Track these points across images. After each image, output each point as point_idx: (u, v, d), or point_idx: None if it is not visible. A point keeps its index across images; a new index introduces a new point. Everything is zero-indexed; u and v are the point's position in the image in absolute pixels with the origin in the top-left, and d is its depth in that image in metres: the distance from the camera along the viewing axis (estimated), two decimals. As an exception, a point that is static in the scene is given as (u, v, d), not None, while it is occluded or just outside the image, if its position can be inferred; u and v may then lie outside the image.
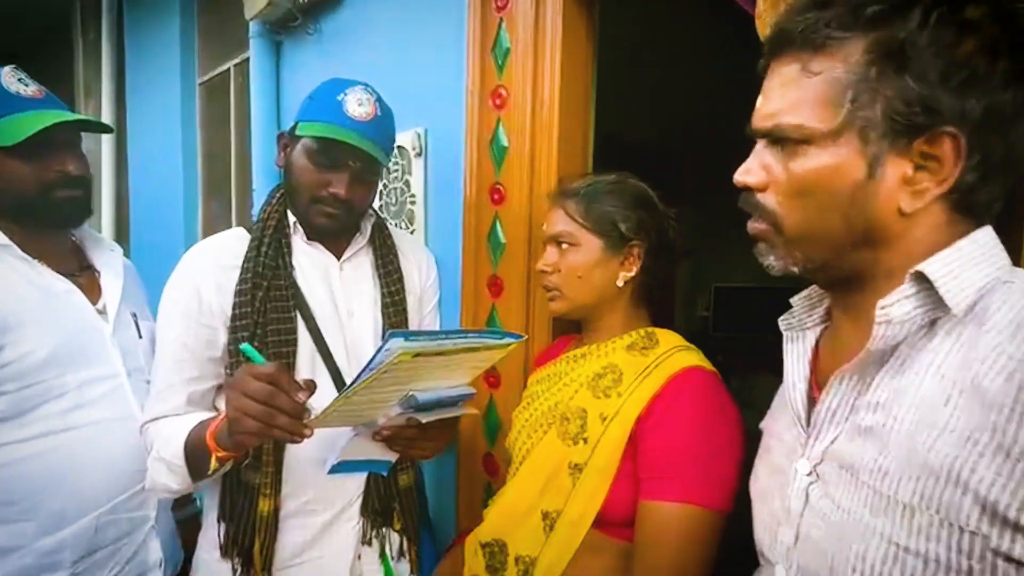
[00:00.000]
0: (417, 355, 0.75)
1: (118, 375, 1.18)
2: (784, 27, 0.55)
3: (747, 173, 0.60)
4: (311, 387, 0.80)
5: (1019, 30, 0.48)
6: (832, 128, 0.52)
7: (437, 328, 1.30)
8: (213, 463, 0.88)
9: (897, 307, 0.51)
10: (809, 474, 0.58)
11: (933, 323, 0.51)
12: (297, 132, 1.01)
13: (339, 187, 1.00)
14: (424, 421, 0.90)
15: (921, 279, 0.51)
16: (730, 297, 3.86)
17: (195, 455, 0.93)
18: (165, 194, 2.59)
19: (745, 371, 2.51)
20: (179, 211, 2.50)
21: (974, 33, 0.48)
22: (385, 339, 0.72)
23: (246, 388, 0.77)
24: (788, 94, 0.55)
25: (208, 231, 2.48)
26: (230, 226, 2.39)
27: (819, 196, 0.54)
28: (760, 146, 0.60)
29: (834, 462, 0.55)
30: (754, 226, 0.61)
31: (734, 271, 3.66)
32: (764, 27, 0.86)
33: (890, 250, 0.54)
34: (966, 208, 0.52)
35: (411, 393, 0.85)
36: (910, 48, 0.48)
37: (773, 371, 0.86)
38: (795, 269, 0.59)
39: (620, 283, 0.97)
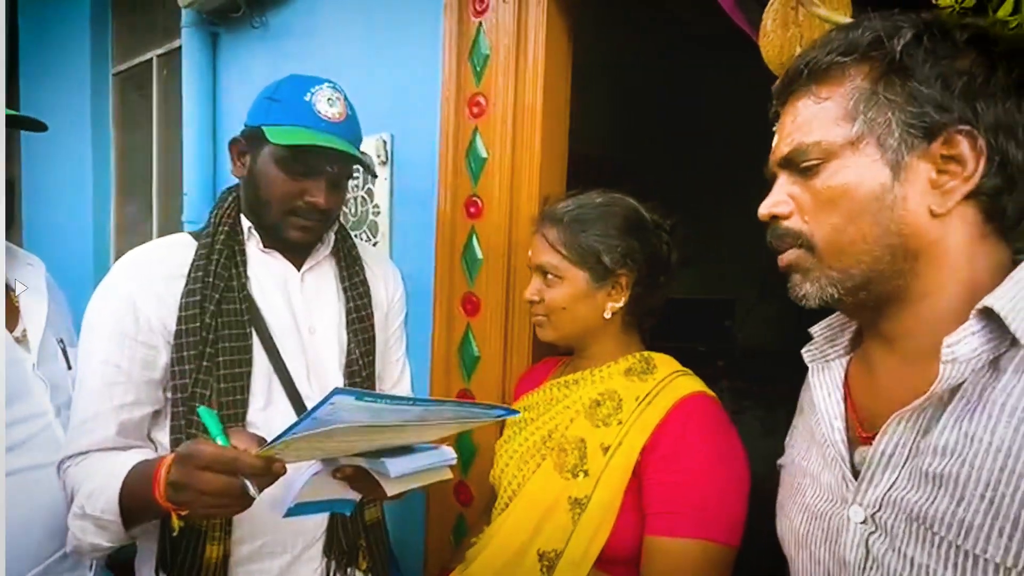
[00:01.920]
0: (370, 426, 0.68)
1: (45, 414, 1.02)
2: (789, 70, 0.58)
3: (773, 205, 0.60)
4: (261, 445, 0.73)
5: (1013, 48, 0.51)
6: (850, 139, 0.54)
7: (402, 348, 1.21)
8: (176, 522, 0.77)
9: (963, 344, 0.49)
10: (864, 522, 0.55)
11: (996, 360, 0.50)
12: (269, 139, 0.89)
13: (318, 195, 0.92)
14: (390, 495, 0.83)
15: (987, 315, 0.49)
16: (665, 308, 4.01)
17: (136, 506, 0.81)
18: (70, 195, 2.31)
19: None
20: (87, 215, 2.23)
21: (966, 51, 0.51)
22: (328, 395, 0.60)
23: (203, 487, 0.70)
24: (802, 121, 0.57)
25: (123, 237, 2.22)
26: (150, 232, 2.17)
27: (846, 205, 0.54)
28: (781, 179, 0.60)
29: (899, 512, 0.52)
30: (784, 258, 0.60)
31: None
32: (770, 47, 0.85)
33: (929, 261, 0.54)
34: (998, 217, 0.53)
35: (382, 460, 0.79)
36: (909, 60, 0.51)
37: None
38: (832, 292, 0.57)
39: (607, 314, 0.94)
